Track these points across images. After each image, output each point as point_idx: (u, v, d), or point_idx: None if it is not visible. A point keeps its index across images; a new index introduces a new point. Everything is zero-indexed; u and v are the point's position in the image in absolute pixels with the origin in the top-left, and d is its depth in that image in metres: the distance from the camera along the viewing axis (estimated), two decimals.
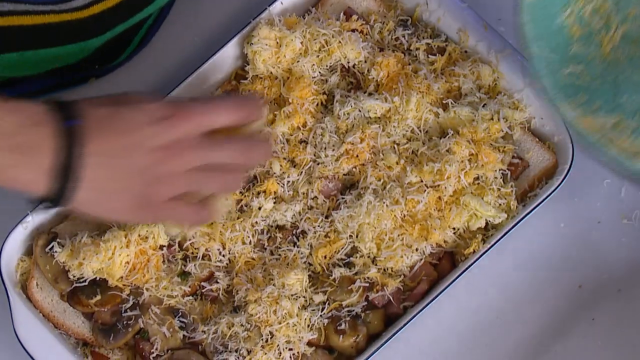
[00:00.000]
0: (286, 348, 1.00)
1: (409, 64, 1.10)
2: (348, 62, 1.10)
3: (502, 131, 1.07)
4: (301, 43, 1.08)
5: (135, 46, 1.15)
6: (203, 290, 1.04)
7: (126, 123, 0.87)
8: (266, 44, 1.07)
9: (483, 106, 1.07)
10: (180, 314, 1.03)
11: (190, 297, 1.04)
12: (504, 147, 1.07)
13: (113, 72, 1.16)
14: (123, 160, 0.87)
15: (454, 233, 1.05)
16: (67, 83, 1.14)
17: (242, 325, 1.01)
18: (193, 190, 0.92)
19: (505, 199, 1.05)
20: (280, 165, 1.06)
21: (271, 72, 1.09)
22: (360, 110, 1.08)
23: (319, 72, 1.10)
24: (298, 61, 1.08)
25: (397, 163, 1.06)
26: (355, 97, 1.08)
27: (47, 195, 0.85)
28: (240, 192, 1.06)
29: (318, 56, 1.09)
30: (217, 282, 1.04)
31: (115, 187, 0.87)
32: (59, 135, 0.83)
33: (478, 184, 1.06)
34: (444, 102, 1.09)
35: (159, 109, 0.88)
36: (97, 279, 1.02)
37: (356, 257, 1.03)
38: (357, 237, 1.04)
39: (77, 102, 0.86)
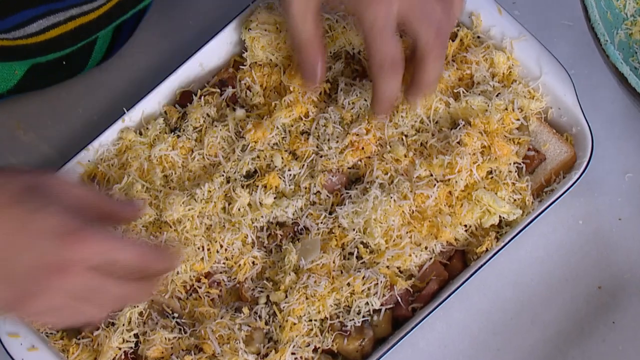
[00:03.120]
0: (290, 353, 0.97)
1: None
2: (353, 49, 1.06)
3: (517, 122, 1.04)
4: None
5: (108, 45, 1.13)
6: (200, 291, 1.01)
7: (17, 222, 0.81)
8: (265, 30, 1.05)
9: (497, 95, 1.04)
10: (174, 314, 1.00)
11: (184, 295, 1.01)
12: (519, 139, 1.03)
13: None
14: None
15: (466, 230, 1.01)
16: (41, 82, 1.12)
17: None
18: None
19: (520, 194, 1.02)
20: (282, 158, 1.03)
21: (270, 60, 1.06)
22: (365, 100, 1.04)
23: None
24: None
25: (405, 156, 1.02)
26: (360, 85, 1.04)
27: None
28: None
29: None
30: (218, 284, 1.01)
31: None
32: None
33: (491, 178, 1.02)
34: (455, 91, 1.05)
35: (60, 222, 0.82)
36: None
37: (363, 255, 1.00)
38: (364, 233, 1.00)
39: None
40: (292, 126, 1.04)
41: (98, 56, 1.13)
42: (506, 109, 1.03)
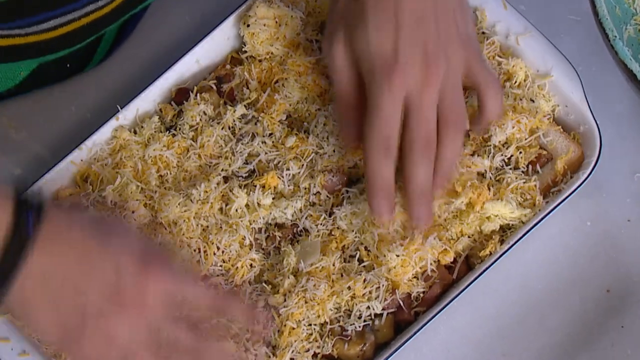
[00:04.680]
0: (289, 358, 0.96)
1: None
2: None
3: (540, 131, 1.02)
4: (301, 20, 1.04)
5: (111, 44, 1.12)
6: None
7: (87, 252, 0.80)
8: (264, 25, 1.03)
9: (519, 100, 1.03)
10: None
11: None
12: (529, 145, 1.02)
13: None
14: (69, 301, 0.79)
15: (469, 237, 0.99)
16: (42, 82, 1.11)
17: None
18: None
19: (530, 194, 1.00)
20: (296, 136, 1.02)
21: (271, 52, 1.04)
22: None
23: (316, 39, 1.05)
24: (298, 34, 1.04)
25: None
26: None
27: None
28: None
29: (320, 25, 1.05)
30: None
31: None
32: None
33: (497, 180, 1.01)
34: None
35: (130, 255, 0.80)
36: None
37: (364, 258, 0.98)
38: (362, 235, 0.98)
39: (46, 218, 0.79)
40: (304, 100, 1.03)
41: (100, 55, 1.12)
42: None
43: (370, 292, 0.96)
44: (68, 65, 1.10)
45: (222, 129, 1.02)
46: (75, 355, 0.82)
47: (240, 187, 0.99)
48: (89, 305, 0.79)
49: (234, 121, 1.02)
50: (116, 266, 0.80)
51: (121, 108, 1.03)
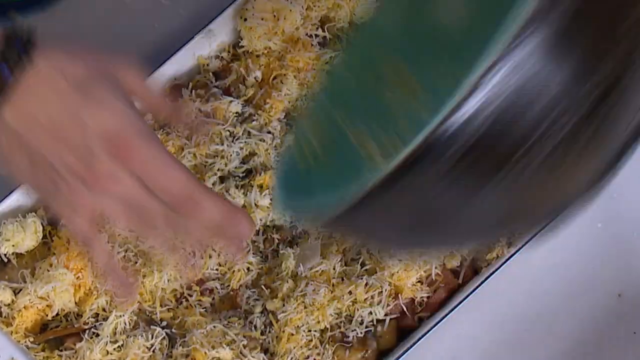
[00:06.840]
0: None
1: None
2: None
3: None
4: (300, 14, 1.02)
5: None
6: (190, 300, 0.97)
7: (70, 109, 0.75)
8: (262, 19, 1.02)
9: None
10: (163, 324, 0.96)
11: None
12: None
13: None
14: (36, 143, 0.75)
15: None
16: None
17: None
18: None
19: None
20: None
21: (269, 47, 1.03)
22: None
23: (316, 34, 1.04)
24: (297, 29, 1.03)
25: None
26: None
27: None
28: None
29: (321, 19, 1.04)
30: (211, 292, 0.98)
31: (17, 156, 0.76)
32: None
33: None
34: None
35: (115, 125, 0.74)
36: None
37: (366, 262, 0.97)
38: None
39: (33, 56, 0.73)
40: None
41: None
42: None
43: (372, 297, 0.94)
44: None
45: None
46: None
47: (237, 187, 0.98)
48: (60, 172, 0.74)
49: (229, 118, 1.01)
50: (90, 140, 0.74)
51: None
